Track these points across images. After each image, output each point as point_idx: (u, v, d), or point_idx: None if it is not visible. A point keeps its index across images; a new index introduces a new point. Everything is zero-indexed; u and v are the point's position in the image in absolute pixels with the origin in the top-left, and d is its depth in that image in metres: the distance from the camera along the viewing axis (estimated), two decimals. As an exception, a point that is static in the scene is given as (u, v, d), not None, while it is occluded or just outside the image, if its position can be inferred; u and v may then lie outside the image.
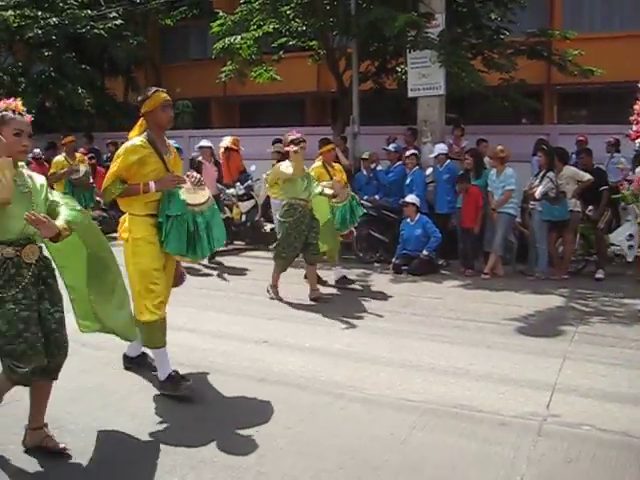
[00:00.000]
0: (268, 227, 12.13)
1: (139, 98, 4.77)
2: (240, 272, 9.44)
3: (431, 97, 11.48)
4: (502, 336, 6.17)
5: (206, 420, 4.18)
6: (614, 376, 5.02)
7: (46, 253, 3.60)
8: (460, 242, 9.54)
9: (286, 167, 7.59)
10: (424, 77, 11.43)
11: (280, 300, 7.56)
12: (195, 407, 4.39)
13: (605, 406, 4.41)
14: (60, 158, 10.42)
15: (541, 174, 9.06)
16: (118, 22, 18.74)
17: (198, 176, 4.80)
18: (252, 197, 11.73)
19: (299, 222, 7.50)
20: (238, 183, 11.70)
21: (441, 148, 10.33)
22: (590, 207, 9.12)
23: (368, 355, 5.55)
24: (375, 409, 4.38)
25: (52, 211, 3.55)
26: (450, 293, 8.10)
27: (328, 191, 7.68)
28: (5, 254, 3.37)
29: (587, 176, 8.87)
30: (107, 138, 15.94)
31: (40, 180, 3.62)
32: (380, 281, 8.77)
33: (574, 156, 10.27)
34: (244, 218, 11.67)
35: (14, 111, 3.51)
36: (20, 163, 3.54)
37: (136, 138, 4.62)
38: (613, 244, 9.40)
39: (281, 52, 14.39)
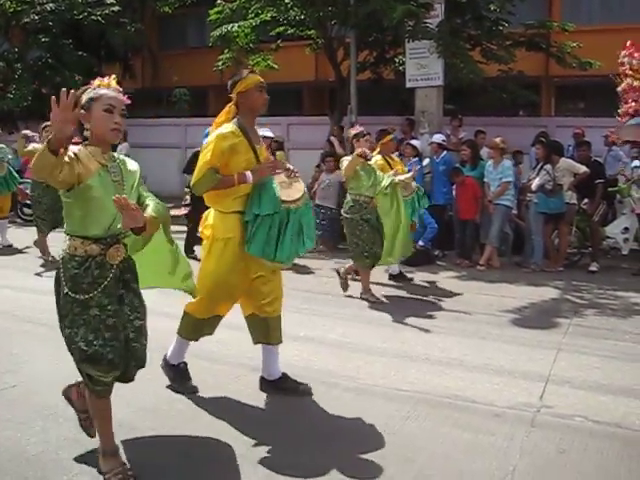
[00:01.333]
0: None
1: (229, 80, 4.26)
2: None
3: (429, 88, 11.48)
4: (497, 327, 6.19)
5: (199, 408, 4.18)
6: (607, 368, 5.04)
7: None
8: (457, 233, 9.55)
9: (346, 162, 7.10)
10: (422, 68, 11.43)
11: (381, 302, 7.18)
12: (188, 396, 4.39)
13: (598, 398, 4.42)
14: (37, 146, 10.14)
15: (538, 166, 9.08)
16: (115, 8, 18.63)
17: (291, 166, 4.32)
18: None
19: (367, 218, 6.99)
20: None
21: (437, 138, 10.33)
22: (585, 200, 9.14)
23: (362, 345, 5.56)
24: (369, 399, 4.39)
25: (139, 202, 3.21)
26: (445, 284, 8.11)
27: (402, 177, 7.11)
28: (89, 251, 3.02)
29: (583, 168, 8.89)
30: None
31: (133, 166, 3.28)
32: (376, 272, 8.76)
33: (570, 148, 10.29)
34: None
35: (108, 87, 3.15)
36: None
37: (226, 125, 4.16)
38: (609, 237, 9.44)
39: (279, 41, 14.35)
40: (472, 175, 9.37)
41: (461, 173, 9.42)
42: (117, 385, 4.53)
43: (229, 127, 4.13)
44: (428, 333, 5.96)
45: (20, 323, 6.04)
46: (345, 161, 7.09)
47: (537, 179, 8.86)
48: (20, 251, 9.93)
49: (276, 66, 14.83)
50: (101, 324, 3.01)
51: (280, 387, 4.42)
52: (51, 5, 17.71)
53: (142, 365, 3.30)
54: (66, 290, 3.02)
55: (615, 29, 16.75)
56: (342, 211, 7.37)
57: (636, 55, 9.80)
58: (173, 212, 11.64)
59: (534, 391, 4.54)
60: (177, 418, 4.02)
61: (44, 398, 4.27)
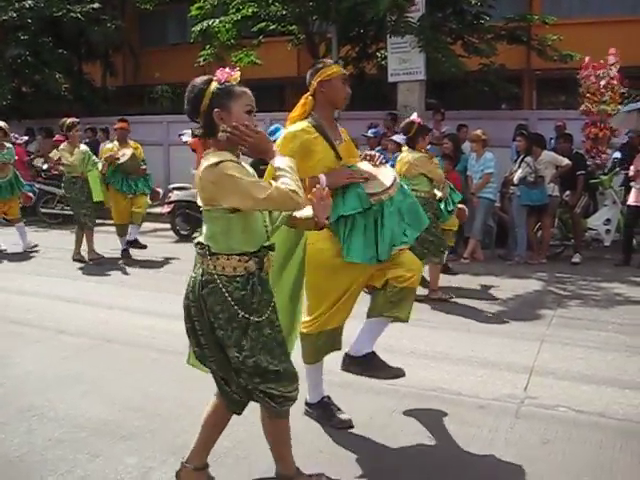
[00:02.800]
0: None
1: (309, 71, 3.87)
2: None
3: (411, 82, 11.50)
4: (481, 320, 6.23)
5: (186, 406, 4.17)
6: (590, 359, 5.09)
7: None
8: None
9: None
10: (404, 62, 11.45)
11: (451, 298, 6.95)
12: (175, 393, 4.39)
13: (581, 388, 4.47)
14: (110, 145, 9.43)
15: (519, 159, 9.13)
16: (95, 5, 18.48)
17: (376, 153, 3.91)
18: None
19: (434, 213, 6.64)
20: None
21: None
22: (567, 192, 9.20)
23: (347, 339, 5.55)
24: (354, 393, 4.40)
25: None
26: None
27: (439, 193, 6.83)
28: (249, 268, 2.76)
29: (565, 161, 8.94)
30: (85, 123, 15.76)
31: (250, 170, 2.87)
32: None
33: (553, 141, 10.36)
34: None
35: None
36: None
37: (297, 123, 3.77)
38: (591, 228, 9.51)
39: (261, 37, 14.31)
40: (455, 169, 9.39)
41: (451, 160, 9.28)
42: (103, 383, 4.54)
43: (300, 124, 3.74)
44: (413, 327, 5.92)
45: (5, 324, 5.99)
46: (406, 159, 6.74)
47: (519, 172, 8.91)
48: (2, 252, 9.82)
49: (259, 62, 14.79)
50: (274, 342, 2.81)
51: (369, 364, 3.98)
52: (30, 2, 17.51)
53: None
54: (242, 314, 2.73)
55: (595, 22, 16.91)
56: None
57: (592, 78, 9.95)
58: (157, 210, 11.65)
59: (518, 383, 4.57)
60: (163, 417, 4.01)
61: (29, 399, 4.25)
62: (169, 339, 5.51)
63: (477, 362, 5.01)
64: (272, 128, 8.66)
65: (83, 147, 9.22)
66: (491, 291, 7.38)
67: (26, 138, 14.25)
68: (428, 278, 7.00)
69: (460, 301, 6.91)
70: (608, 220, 9.40)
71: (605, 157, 10.34)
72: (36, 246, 9.85)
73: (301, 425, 3.88)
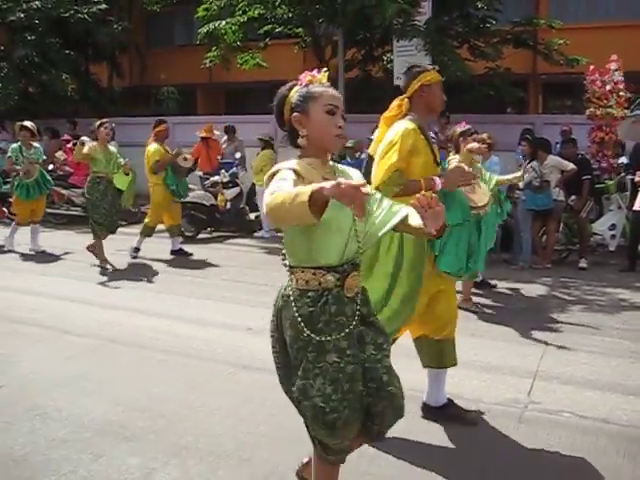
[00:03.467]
0: (252, 215, 12.12)
1: (405, 75, 3.82)
2: (224, 259, 9.42)
3: (417, 85, 11.48)
4: (485, 324, 6.22)
5: (189, 407, 4.18)
6: (595, 364, 5.07)
7: None
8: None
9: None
10: (410, 65, 11.44)
11: (480, 310, 6.75)
12: (178, 394, 4.39)
13: (585, 393, 4.46)
14: (156, 146, 9.24)
15: (525, 164, 9.12)
16: (102, 7, 18.55)
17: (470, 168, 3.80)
18: (237, 184, 11.72)
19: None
20: (223, 170, 11.69)
21: (427, 136, 10.35)
22: (573, 197, 9.18)
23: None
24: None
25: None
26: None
27: (510, 176, 6.85)
28: (324, 284, 2.48)
29: (571, 165, 8.93)
30: (91, 124, 15.81)
31: (356, 174, 2.65)
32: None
33: (558, 146, 10.34)
34: (228, 205, 11.66)
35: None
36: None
37: (405, 121, 3.69)
38: (596, 233, 9.49)
39: (267, 39, 14.33)
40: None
41: None
42: (107, 384, 4.55)
43: (409, 123, 3.66)
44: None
45: (10, 324, 6.01)
46: (454, 161, 6.52)
47: (525, 176, 8.89)
48: (12, 251, 9.81)
49: (265, 64, 14.80)
50: (340, 373, 2.43)
51: (446, 414, 3.96)
52: (37, 3, 17.58)
53: (401, 415, 2.64)
54: (307, 332, 2.46)
55: (601, 27, 16.89)
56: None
57: (598, 83, 9.95)
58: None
59: (522, 387, 4.57)
60: (166, 418, 4.02)
61: (33, 399, 4.26)
62: (174, 340, 5.53)
63: (480, 366, 5.00)
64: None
65: (112, 147, 8.93)
66: (495, 295, 7.36)
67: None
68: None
69: (464, 305, 6.89)
70: (613, 225, 9.38)
71: (613, 162, 10.34)
72: (43, 252, 9.68)
73: (302, 426, 3.88)
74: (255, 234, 11.52)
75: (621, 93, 10.18)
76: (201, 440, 3.72)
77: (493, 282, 7.89)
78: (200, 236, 11.19)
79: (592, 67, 10.24)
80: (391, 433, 2.74)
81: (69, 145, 13.12)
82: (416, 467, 3.46)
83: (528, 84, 18.55)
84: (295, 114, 2.52)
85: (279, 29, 13.88)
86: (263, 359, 5.05)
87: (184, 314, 6.41)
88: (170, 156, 9.26)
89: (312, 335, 2.45)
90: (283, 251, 2.64)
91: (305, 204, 1.99)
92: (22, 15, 17.43)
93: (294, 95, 2.56)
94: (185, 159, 9.54)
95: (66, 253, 9.60)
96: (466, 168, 3.71)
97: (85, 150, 8.39)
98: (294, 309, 2.50)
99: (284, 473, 3.35)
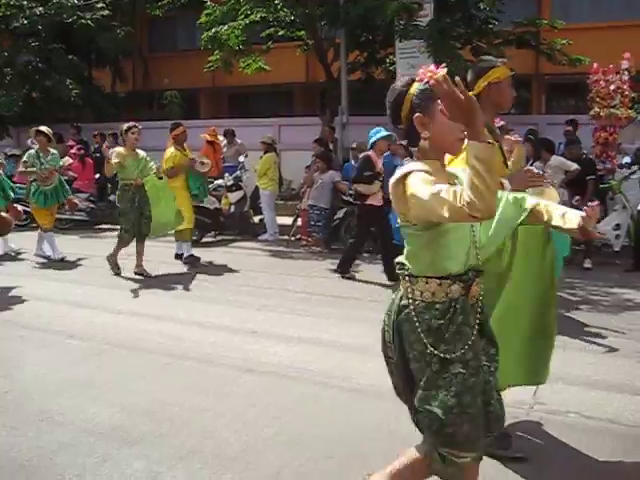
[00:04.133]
0: (256, 218, 12.14)
1: (472, 71, 3.65)
2: (228, 263, 9.42)
3: (420, 87, 11.49)
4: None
5: (194, 411, 4.18)
6: (600, 364, 5.06)
7: None
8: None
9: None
10: (413, 67, 11.41)
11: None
12: (184, 398, 4.39)
13: (591, 394, 4.44)
14: (174, 150, 9.00)
15: (529, 164, 9.09)
16: (105, 12, 18.61)
17: (539, 171, 3.68)
18: (241, 188, 11.73)
19: None
20: (226, 174, 11.71)
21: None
22: (577, 197, 9.16)
23: (356, 345, 5.56)
24: (364, 398, 4.39)
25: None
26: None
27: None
28: (451, 294, 2.38)
29: (574, 166, 8.91)
30: (94, 129, 15.86)
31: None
32: (369, 271, 8.78)
33: (562, 146, 10.33)
34: (232, 209, 11.67)
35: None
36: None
37: None
38: (599, 233, 9.44)
39: (270, 42, 14.35)
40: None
41: None
42: (112, 388, 4.55)
43: None
44: (422, 332, 5.96)
45: (15, 328, 6.02)
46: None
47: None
48: (17, 257, 9.83)
49: (267, 68, 14.82)
50: (462, 385, 2.35)
51: (499, 444, 3.48)
52: (40, 9, 17.66)
53: (502, 423, 2.59)
54: (430, 349, 2.36)
55: (604, 27, 16.87)
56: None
57: (602, 83, 9.92)
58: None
59: (527, 388, 4.54)
60: (171, 422, 4.02)
61: (38, 403, 4.27)
62: (178, 344, 5.53)
63: (486, 367, 4.98)
64: (374, 130, 8.45)
65: (141, 152, 8.56)
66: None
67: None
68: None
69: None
70: (618, 225, 9.34)
71: (616, 162, 10.31)
72: (48, 258, 9.55)
73: (308, 429, 3.88)
74: (259, 237, 11.53)
75: (626, 93, 10.14)
76: (206, 444, 3.71)
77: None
78: (204, 240, 11.20)
79: (595, 65, 10.21)
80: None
81: (73, 150, 13.17)
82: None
83: (531, 84, 18.54)
84: (418, 114, 2.38)
85: (281, 32, 13.90)
86: (268, 363, 5.08)
87: (189, 318, 6.42)
88: (186, 161, 9.02)
89: (437, 351, 2.36)
90: (399, 259, 2.54)
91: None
92: (25, 21, 17.52)
93: (415, 93, 2.40)
94: (202, 163, 9.38)
95: (69, 258, 9.61)
96: (535, 170, 3.58)
97: (116, 161, 8.12)
98: (417, 324, 2.40)
99: (289, 476, 3.34)
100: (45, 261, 9.47)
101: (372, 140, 8.22)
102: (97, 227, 12.84)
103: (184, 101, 20.39)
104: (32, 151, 9.49)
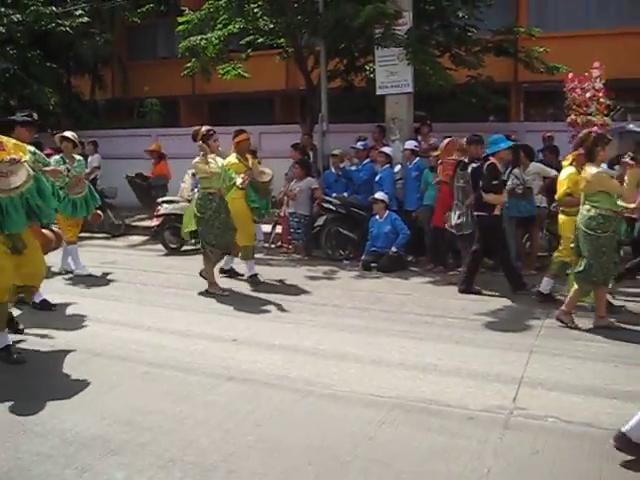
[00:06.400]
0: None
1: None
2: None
3: (399, 95, 11.53)
4: (470, 331, 6.24)
5: (175, 419, 4.16)
6: (579, 369, 5.10)
7: None
8: (430, 240, 9.56)
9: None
10: (392, 75, 11.47)
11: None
12: (165, 407, 4.37)
13: (570, 398, 4.48)
14: (233, 160, 8.38)
15: (507, 171, 9.17)
16: (84, 19, 18.49)
17: None
18: (221, 196, 11.69)
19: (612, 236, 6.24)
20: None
21: (409, 144, 10.41)
22: (555, 203, 9.24)
23: (337, 352, 5.57)
24: (344, 405, 4.40)
25: None
26: (418, 289, 8.15)
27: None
28: None
29: (553, 172, 8.99)
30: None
31: None
32: (349, 278, 8.81)
33: (540, 154, 10.42)
34: (213, 217, 11.61)
35: None
36: None
37: None
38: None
39: (249, 50, 14.35)
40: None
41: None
42: (91, 397, 4.52)
43: None
44: (402, 338, 5.99)
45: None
46: (584, 175, 6.33)
47: (507, 183, 8.94)
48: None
49: (246, 74, 14.81)
50: None
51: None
52: (18, 16, 17.50)
53: None
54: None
55: (580, 35, 17.10)
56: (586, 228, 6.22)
57: (578, 91, 10.04)
58: (145, 223, 11.62)
59: (507, 393, 4.58)
60: (152, 431, 3.99)
61: (16, 413, 4.22)
62: (158, 353, 5.50)
63: (466, 373, 5.01)
64: (495, 138, 8.09)
65: (221, 160, 7.93)
66: (480, 302, 7.39)
67: None
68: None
69: (449, 313, 6.91)
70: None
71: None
72: (89, 275, 8.79)
73: (288, 437, 3.88)
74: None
75: (601, 100, 10.27)
76: (187, 452, 3.70)
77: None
78: (184, 248, 11.16)
79: (571, 75, 10.34)
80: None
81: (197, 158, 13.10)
82: (404, 474, 3.46)
83: (510, 92, 18.70)
84: None
85: (261, 40, 13.90)
86: (248, 370, 5.07)
87: (169, 326, 6.39)
88: (245, 172, 8.24)
89: None
90: None
91: None
92: (2, 29, 17.36)
93: None
94: (262, 173, 8.60)
95: (50, 267, 9.51)
96: None
97: (208, 169, 7.61)
98: None
99: (270, 484, 3.33)
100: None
101: (495, 149, 7.81)
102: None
103: (164, 109, 20.30)
104: (57, 157, 8.58)
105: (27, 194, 5.13)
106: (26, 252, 5.31)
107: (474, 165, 8.21)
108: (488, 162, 7.82)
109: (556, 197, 6.99)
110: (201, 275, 8.08)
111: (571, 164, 6.92)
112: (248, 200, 8.35)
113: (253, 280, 8.44)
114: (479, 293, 7.77)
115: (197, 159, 7.79)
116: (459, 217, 8.49)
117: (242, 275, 8.69)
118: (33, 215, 5.26)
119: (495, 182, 7.70)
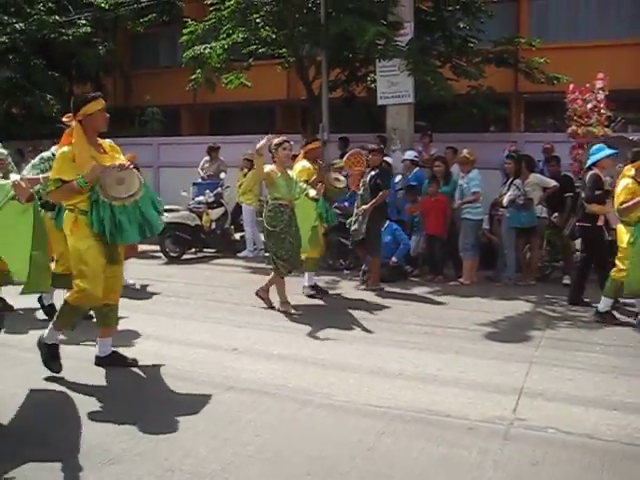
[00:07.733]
0: (237, 235, 12.12)
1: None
2: (209, 280, 9.39)
3: (400, 105, 11.58)
4: (470, 342, 6.23)
5: (173, 428, 4.14)
6: (579, 380, 5.09)
7: None
8: (426, 249, 9.59)
9: None
10: (393, 85, 11.53)
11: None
12: (163, 415, 4.36)
13: (570, 409, 4.47)
14: (306, 164, 8.19)
15: (509, 181, 9.19)
16: (87, 29, 18.58)
17: None
18: (222, 204, 11.72)
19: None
20: (208, 190, 11.69)
21: (409, 155, 10.44)
22: (555, 214, 9.25)
23: (336, 362, 5.56)
24: (343, 415, 4.38)
25: None
26: (418, 299, 8.15)
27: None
28: None
29: (552, 183, 9.02)
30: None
31: None
32: (349, 288, 8.80)
33: (540, 164, 10.44)
34: (214, 226, 11.65)
35: None
36: None
37: None
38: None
39: (251, 59, 14.40)
40: (444, 191, 9.44)
41: (417, 193, 9.59)
42: (88, 406, 4.50)
43: None
44: (402, 348, 5.98)
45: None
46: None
47: (508, 194, 8.96)
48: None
49: (249, 83, 14.85)
50: None
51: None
52: (20, 25, 17.59)
53: None
54: None
55: (581, 46, 17.17)
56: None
57: (579, 101, 10.07)
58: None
59: (507, 404, 4.57)
60: (152, 440, 3.98)
61: (13, 422, 4.22)
62: (157, 361, 5.49)
63: (466, 384, 5.00)
64: (596, 147, 7.78)
65: (289, 171, 7.71)
66: (480, 313, 7.38)
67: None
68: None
69: (448, 323, 6.91)
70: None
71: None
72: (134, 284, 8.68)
73: (287, 447, 3.86)
74: (239, 254, 11.51)
75: (602, 111, 10.29)
76: (186, 462, 3.68)
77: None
78: (185, 256, 11.17)
79: (572, 85, 10.37)
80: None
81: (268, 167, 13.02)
82: (402, 486, 3.45)
83: (510, 102, 18.75)
84: None
85: (262, 50, 13.96)
86: (248, 380, 5.06)
87: (168, 335, 6.38)
88: (319, 175, 8.06)
89: None
90: None
91: None
92: (5, 37, 17.44)
93: None
94: (337, 179, 8.45)
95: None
96: None
97: (266, 169, 7.37)
98: None
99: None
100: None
101: (596, 158, 7.52)
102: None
103: (165, 117, 20.36)
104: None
105: (140, 203, 4.87)
106: (116, 266, 5.12)
107: (372, 173, 8.60)
108: (591, 172, 7.54)
109: (614, 209, 6.95)
110: (257, 295, 7.69)
111: (632, 176, 6.77)
112: (318, 208, 8.04)
113: (316, 290, 8.30)
114: (588, 305, 7.56)
115: (269, 167, 7.45)
116: (355, 223, 8.65)
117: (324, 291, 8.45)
118: (146, 226, 4.98)
119: (599, 192, 7.41)
